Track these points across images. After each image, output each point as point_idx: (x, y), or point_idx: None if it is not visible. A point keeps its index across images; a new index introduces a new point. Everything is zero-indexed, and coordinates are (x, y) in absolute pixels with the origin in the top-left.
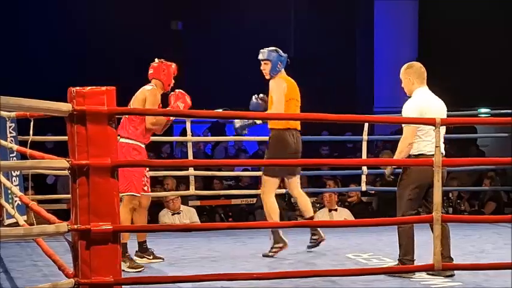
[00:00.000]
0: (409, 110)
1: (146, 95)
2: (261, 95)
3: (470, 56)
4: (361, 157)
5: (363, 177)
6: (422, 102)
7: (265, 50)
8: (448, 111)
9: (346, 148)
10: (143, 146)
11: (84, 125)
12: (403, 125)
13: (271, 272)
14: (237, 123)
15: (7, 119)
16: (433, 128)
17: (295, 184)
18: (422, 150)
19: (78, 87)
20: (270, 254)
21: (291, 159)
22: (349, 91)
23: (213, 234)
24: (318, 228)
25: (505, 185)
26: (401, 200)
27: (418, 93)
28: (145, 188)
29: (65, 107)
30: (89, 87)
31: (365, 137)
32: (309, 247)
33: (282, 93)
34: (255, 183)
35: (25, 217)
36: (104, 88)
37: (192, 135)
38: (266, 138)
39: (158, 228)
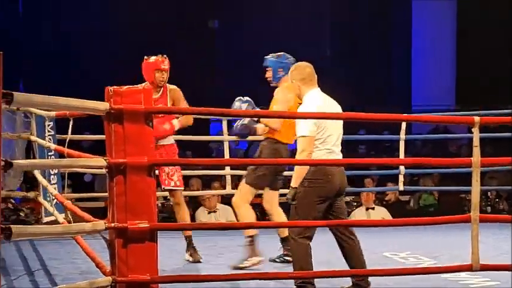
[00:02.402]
0: (302, 120)
1: None
2: (246, 98)
3: (509, 54)
4: (398, 156)
5: (400, 177)
6: (314, 108)
7: (269, 56)
8: (487, 109)
9: (383, 147)
10: None
11: (121, 124)
12: (297, 137)
13: (311, 272)
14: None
15: (46, 118)
16: (331, 135)
17: (274, 199)
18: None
19: (115, 86)
20: (241, 266)
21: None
22: (386, 90)
23: None
24: None
25: None
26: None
27: (308, 99)
28: (172, 184)
29: (102, 106)
30: (126, 87)
31: (402, 136)
32: (273, 261)
33: (286, 107)
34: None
35: (63, 215)
36: (140, 87)
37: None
38: None
39: (193, 227)
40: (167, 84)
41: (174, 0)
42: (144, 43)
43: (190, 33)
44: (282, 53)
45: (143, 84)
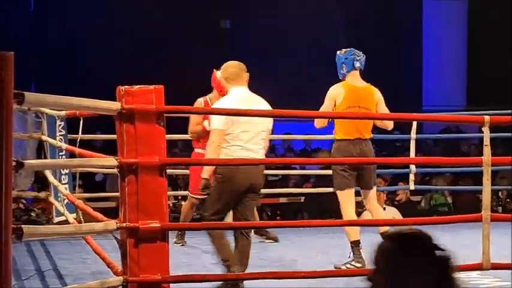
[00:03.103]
0: (214, 116)
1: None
2: None
3: None
4: (409, 156)
5: (411, 176)
6: (232, 103)
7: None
8: (495, 109)
9: (395, 147)
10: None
11: (132, 124)
12: (211, 128)
13: (318, 271)
14: None
15: (57, 118)
16: (244, 131)
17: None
18: (231, 155)
19: (126, 86)
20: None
21: (347, 174)
22: (397, 90)
23: None
24: None
25: None
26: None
27: (228, 96)
28: None
29: (114, 105)
30: (138, 86)
31: (413, 135)
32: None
33: (328, 101)
34: (302, 181)
35: (74, 215)
36: (152, 87)
37: None
38: (313, 136)
39: (204, 227)
40: None
41: None
42: (150, 41)
43: (197, 31)
44: (350, 48)
45: (211, 93)
